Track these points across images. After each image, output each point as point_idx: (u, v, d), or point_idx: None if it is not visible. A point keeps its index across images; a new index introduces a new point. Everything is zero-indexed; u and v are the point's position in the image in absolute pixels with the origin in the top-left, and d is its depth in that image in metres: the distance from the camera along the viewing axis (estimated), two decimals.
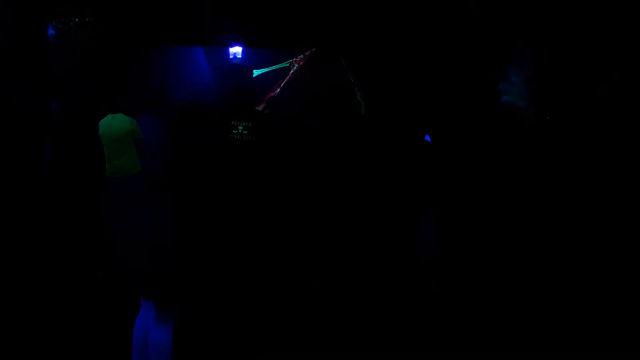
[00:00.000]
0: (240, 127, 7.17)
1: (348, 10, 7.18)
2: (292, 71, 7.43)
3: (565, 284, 5.08)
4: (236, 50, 7.80)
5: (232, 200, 6.69)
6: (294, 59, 7.48)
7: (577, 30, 6.28)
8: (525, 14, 6.58)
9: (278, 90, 7.48)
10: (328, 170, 5.90)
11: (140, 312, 3.61)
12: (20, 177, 6.69)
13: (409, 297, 5.02)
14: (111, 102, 5.88)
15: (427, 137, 5.63)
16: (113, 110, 5.84)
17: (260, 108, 7.26)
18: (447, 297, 4.58)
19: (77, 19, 6.52)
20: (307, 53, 7.45)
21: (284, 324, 4.61)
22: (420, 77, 7.00)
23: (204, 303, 4.87)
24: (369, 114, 7.11)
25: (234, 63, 7.69)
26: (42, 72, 6.61)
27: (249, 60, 7.72)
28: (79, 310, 4.71)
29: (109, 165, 5.79)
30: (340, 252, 5.74)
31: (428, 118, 5.83)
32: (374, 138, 6.92)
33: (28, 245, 5.84)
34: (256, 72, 7.62)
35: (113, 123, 5.75)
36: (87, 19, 6.59)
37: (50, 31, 6.57)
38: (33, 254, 5.69)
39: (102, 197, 5.94)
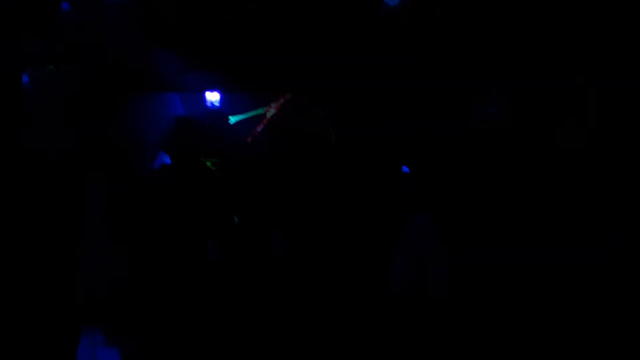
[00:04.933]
0: (209, 163, 7.08)
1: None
2: (268, 116, 7.47)
3: None
4: (214, 98, 7.87)
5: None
6: (270, 105, 7.53)
7: None
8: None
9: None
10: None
11: (82, 339, 3.44)
12: None
13: None
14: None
15: (405, 168, 5.62)
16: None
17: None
18: None
19: (52, 67, 6.57)
20: (282, 100, 7.51)
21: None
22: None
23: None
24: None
25: (210, 109, 7.75)
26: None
27: (225, 106, 7.78)
28: None
29: None
30: None
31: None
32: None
33: None
34: (232, 119, 7.66)
35: None
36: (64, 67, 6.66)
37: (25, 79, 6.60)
38: None
39: None
